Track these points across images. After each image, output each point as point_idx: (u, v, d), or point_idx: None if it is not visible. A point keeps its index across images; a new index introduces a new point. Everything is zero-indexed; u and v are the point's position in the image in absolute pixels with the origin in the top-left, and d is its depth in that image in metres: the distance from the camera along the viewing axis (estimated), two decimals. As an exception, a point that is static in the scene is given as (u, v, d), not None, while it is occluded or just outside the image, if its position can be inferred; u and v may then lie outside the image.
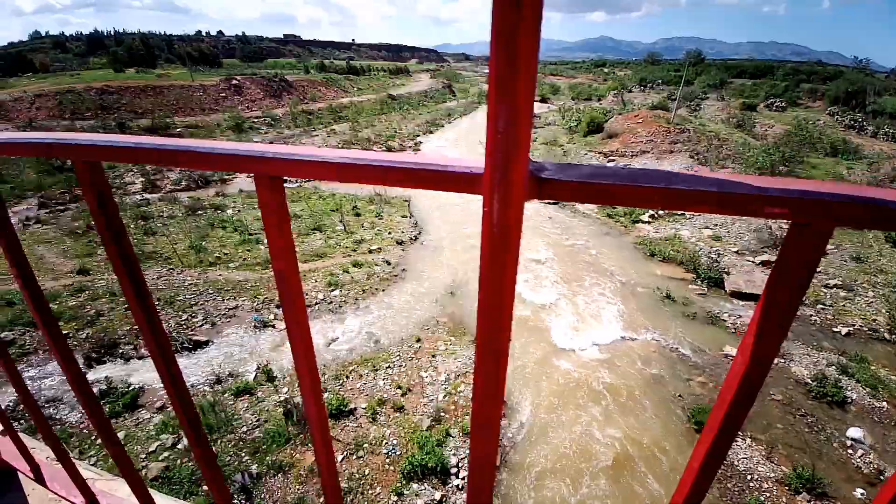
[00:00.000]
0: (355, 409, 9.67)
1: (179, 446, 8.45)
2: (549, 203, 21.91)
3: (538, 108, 51.46)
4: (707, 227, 18.72)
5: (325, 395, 10.11)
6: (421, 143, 36.90)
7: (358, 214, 20.50)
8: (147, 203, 21.37)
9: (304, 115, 41.64)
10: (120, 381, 10.23)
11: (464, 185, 0.39)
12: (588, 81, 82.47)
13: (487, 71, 0.31)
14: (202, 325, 12.88)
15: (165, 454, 8.36)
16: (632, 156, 28.26)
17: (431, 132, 41.02)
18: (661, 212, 19.84)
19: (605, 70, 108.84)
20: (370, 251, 16.91)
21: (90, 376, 10.34)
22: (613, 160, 28.32)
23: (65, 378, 0.84)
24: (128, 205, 20.49)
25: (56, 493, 1.04)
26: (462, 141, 37.48)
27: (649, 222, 19.89)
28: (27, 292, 0.72)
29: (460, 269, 15.79)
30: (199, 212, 20.42)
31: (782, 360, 11.10)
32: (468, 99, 67.01)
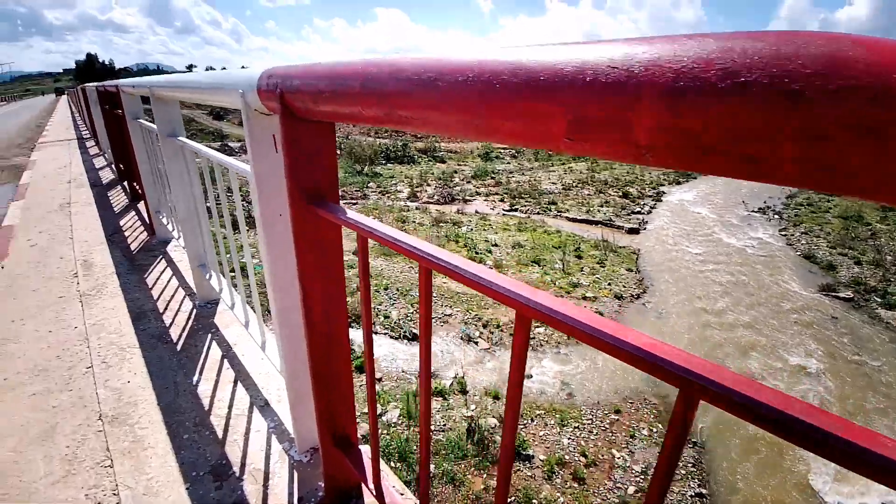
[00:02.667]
0: (532, 456, 9.23)
1: (384, 418, 9.74)
2: (834, 296, 16.58)
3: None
4: None
5: (507, 428, 10.04)
6: (664, 193, 32.75)
7: (579, 256, 19.97)
8: (408, 209, 26.03)
9: (546, 151, 43.59)
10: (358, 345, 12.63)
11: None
12: None
13: None
14: (433, 319, 14.76)
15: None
16: None
17: (679, 182, 36.20)
18: None
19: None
20: (584, 297, 16.15)
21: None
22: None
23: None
24: (395, 208, 25.39)
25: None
26: (718, 196, 31.68)
27: None
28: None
29: (686, 346, 13.38)
30: (442, 224, 23.66)
31: None
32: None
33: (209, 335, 2.06)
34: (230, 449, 1.42)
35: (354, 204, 26.26)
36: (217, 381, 1.74)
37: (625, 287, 16.99)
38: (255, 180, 1.00)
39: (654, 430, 9.94)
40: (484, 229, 23.16)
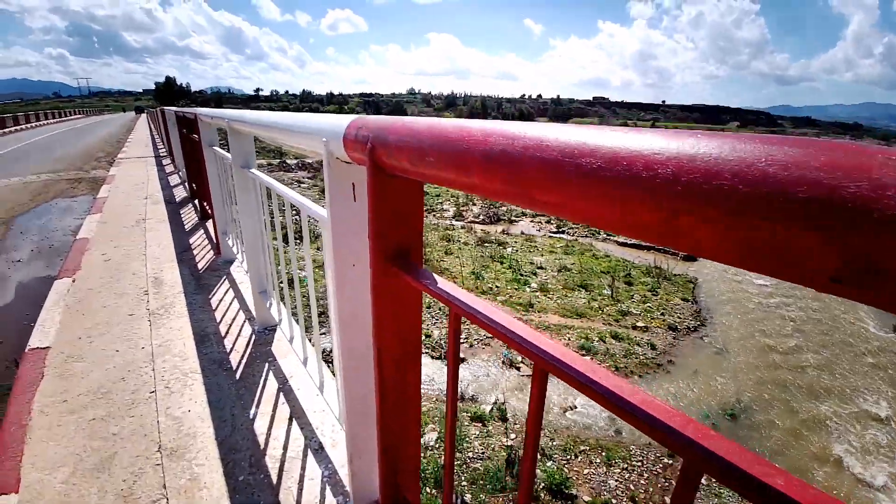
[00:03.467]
0: (576, 496, 8.69)
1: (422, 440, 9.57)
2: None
3: None
4: None
5: (549, 463, 9.55)
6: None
7: (630, 283, 19.10)
8: (452, 227, 26.18)
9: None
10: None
11: None
12: None
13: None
14: (475, 342, 14.57)
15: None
16: None
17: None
18: None
19: None
20: (634, 327, 15.34)
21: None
22: None
23: None
24: (440, 227, 25.63)
25: None
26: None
27: None
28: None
29: (750, 386, 12.30)
30: (486, 244, 23.52)
31: None
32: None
33: (266, 364, 2.05)
34: (284, 497, 1.36)
35: (400, 221, 26.64)
36: (273, 417, 1.70)
37: (680, 318, 15.97)
38: (331, 228, 0.95)
39: (713, 480, 9.09)
40: (529, 251, 22.76)
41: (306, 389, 1.85)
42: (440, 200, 31.95)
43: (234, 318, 2.49)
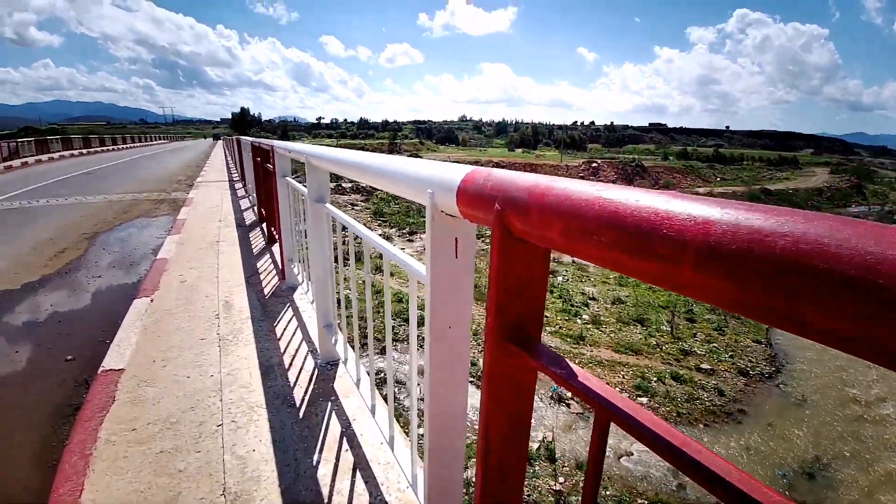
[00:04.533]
0: (635, 556, 7.92)
1: (466, 474, 9.19)
2: None
3: None
4: None
5: (603, 514, 8.83)
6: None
7: (692, 320, 17.80)
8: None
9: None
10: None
11: None
12: None
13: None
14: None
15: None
16: None
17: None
18: None
19: None
20: (698, 368, 14.15)
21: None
22: None
23: None
24: (488, 251, 25.46)
25: None
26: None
27: None
28: None
29: (829, 441, 10.90)
30: (535, 271, 22.94)
31: None
32: (888, 207, 48.22)
33: (329, 403, 1.98)
34: (349, 565, 1.24)
35: (449, 245, 26.77)
36: (336, 467, 1.61)
37: (752, 362, 14.57)
38: (430, 287, 0.85)
39: (799, 554, 7.98)
40: (581, 280, 21.95)
41: (371, 437, 1.76)
42: (486, 228, 31.84)
43: (297, 349, 2.47)
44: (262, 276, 3.70)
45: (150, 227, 6.83)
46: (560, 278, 21.86)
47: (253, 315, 2.93)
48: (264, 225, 5.10)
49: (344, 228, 1.72)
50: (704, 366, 14.21)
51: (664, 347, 15.38)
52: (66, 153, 26.93)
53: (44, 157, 23.47)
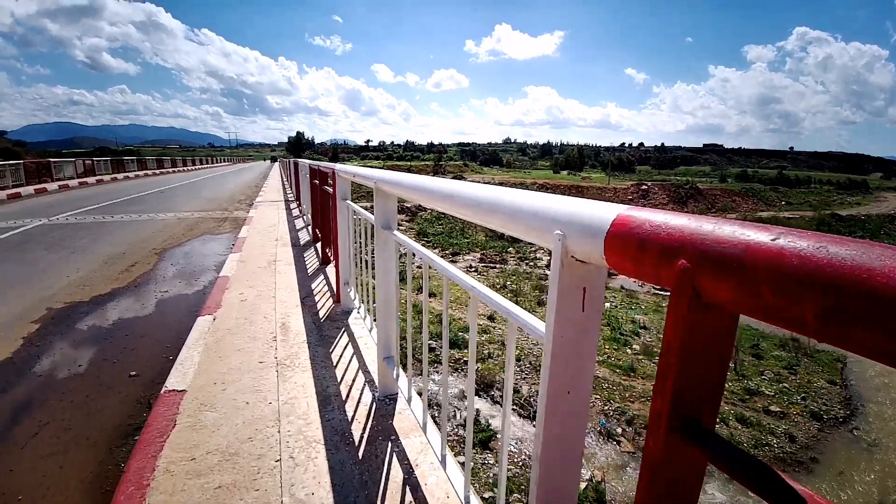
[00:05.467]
0: None
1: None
2: None
3: None
4: None
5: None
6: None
7: (758, 356, 16.37)
8: (545, 277, 25.23)
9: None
10: (483, 417, 11.93)
11: None
12: None
13: None
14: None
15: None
16: None
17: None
18: None
19: None
20: (766, 411, 12.88)
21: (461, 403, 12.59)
22: None
23: None
24: (534, 276, 24.88)
25: None
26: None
27: None
28: None
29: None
30: (581, 297, 22.13)
31: None
32: None
33: (388, 444, 1.85)
34: None
35: (493, 268, 26.55)
36: (401, 522, 1.47)
37: (826, 405, 13.08)
38: (552, 346, 0.71)
39: None
40: (631, 308, 20.87)
41: (435, 488, 1.60)
42: (534, 248, 31.33)
43: (353, 379, 2.38)
44: (317, 298, 3.70)
45: (213, 243, 7.16)
46: (607, 304, 20.91)
47: (309, 339, 2.89)
48: (318, 245, 5.17)
49: (409, 254, 1.62)
50: (774, 408, 12.91)
51: (729, 386, 14.16)
52: (141, 173, 29.46)
53: (119, 175, 25.78)
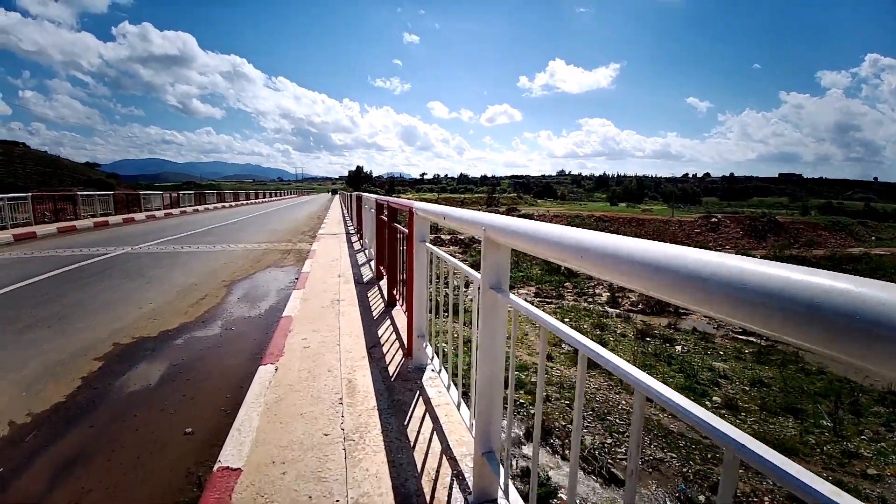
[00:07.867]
0: None
1: None
2: None
3: None
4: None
5: None
6: None
7: (857, 413, 13.92)
8: (607, 315, 23.64)
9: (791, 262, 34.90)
10: (542, 468, 10.83)
11: None
12: None
13: None
14: (623, 458, 12.07)
15: None
16: None
17: None
18: None
19: None
20: (864, 475, 10.70)
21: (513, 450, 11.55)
22: None
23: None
24: (593, 313, 23.40)
25: None
26: None
27: None
28: None
29: None
30: (648, 338, 20.38)
31: None
32: None
33: (497, 588, 1.35)
34: None
35: (549, 303, 25.40)
36: None
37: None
38: None
39: None
40: (707, 353, 18.78)
41: None
42: (592, 283, 29.74)
43: (437, 469, 1.91)
44: (385, 349, 3.32)
45: (278, 277, 7.15)
46: (679, 348, 19.00)
47: (379, 404, 2.48)
48: (383, 283, 4.87)
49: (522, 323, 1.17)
50: (871, 471, 10.69)
51: (824, 447, 12.03)
52: (219, 205, 31.88)
53: (200, 207, 28.00)
